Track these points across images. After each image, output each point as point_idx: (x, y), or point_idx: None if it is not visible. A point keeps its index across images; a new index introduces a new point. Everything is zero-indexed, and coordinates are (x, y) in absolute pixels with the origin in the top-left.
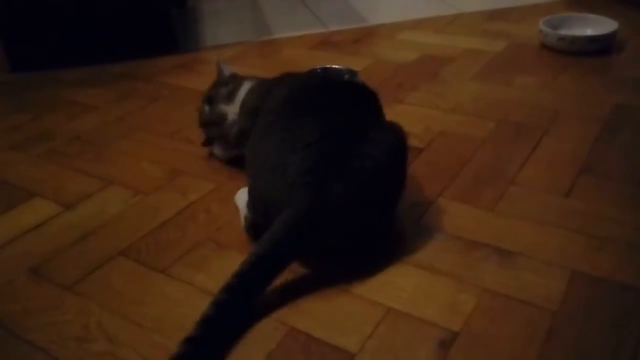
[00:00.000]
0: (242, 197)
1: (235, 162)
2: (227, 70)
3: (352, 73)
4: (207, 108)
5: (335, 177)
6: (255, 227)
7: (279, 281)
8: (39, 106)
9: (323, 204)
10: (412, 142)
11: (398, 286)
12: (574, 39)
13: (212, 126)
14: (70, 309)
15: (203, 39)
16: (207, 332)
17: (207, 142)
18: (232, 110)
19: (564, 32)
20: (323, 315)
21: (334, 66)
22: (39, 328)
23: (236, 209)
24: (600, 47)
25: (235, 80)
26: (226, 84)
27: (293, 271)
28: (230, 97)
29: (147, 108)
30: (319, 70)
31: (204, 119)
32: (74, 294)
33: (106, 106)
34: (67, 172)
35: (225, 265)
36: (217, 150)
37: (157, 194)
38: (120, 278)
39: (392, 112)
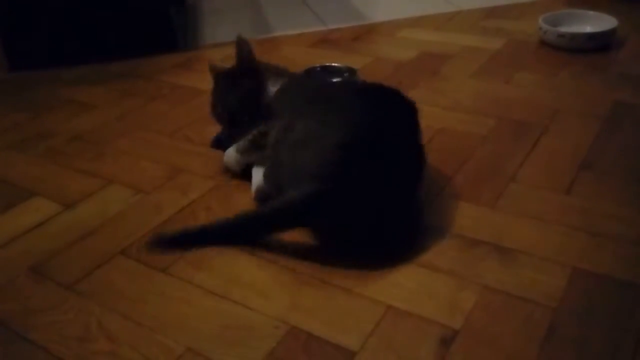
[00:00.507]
0: (256, 169)
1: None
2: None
3: (352, 71)
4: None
5: (366, 160)
6: (267, 199)
7: (279, 280)
8: (38, 105)
9: (348, 182)
10: None
11: (399, 284)
12: (574, 36)
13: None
14: (71, 308)
15: (202, 37)
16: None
17: (217, 144)
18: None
19: (564, 29)
20: (324, 313)
21: (333, 64)
22: (39, 327)
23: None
24: (600, 44)
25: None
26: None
27: (293, 269)
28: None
29: (146, 107)
30: (318, 69)
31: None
32: (74, 293)
33: (106, 105)
34: (67, 172)
35: (226, 263)
36: (234, 157)
37: (157, 192)
38: (120, 277)
39: None
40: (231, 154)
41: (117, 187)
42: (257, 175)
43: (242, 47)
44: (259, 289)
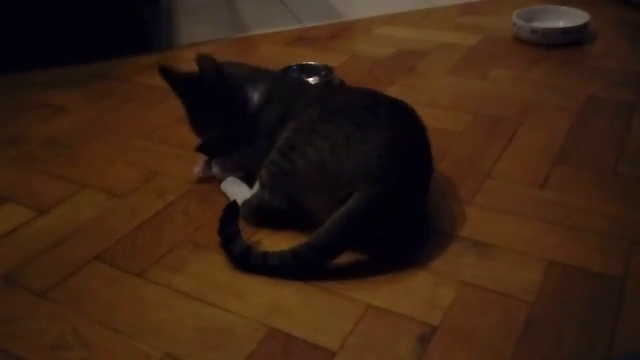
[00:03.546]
0: (232, 186)
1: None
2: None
3: (329, 69)
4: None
5: (408, 163)
6: (270, 210)
7: (256, 281)
8: (9, 109)
9: (402, 186)
10: None
11: (377, 282)
12: (547, 32)
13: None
14: (45, 316)
15: (178, 37)
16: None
17: (202, 149)
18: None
19: (537, 24)
20: (302, 314)
21: (310, 62)
22: (13, 337)
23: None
24: (573, 38)
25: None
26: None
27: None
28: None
29: (121, 109)
30: (295, 67)
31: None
32: (48, 301)
33: (79, 108)
34: (39, 177)
35: (203, 266)
36: (220, 167)
37: (132, 196)
38: (95, 283)
39: None
40: (217, 172)
41: (91, 191)
42: (236, 189)
43: (204, 64)
44: (236, 291)
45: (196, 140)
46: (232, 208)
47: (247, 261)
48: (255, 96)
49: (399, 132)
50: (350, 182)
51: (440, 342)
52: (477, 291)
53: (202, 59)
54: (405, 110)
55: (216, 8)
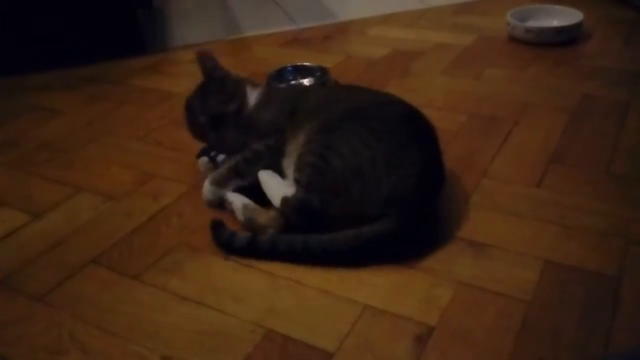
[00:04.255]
0: (272, 177)
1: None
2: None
3: (324, 70)
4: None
5: (426, 194)
6: (309, 209)
7: (254, 283)
8: (3, 113)
9: (427, 212)
10: None
11: (374, 283)
12: (541, 31)
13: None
14: (42, 320)
15: (172, 39)
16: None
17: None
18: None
19: (531, 24)
20: (300, 315)
21: (305, 64)
22: (9, 341)
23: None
24: (567, 37)
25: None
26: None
27: (268, 272)
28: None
29: (115, 111)
30: (289, 68)
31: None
32: (45, 305)
33: (74, 111)
34: (35, 180)
35: (199, 268)
36: (209, 189)
37: (128, 199)
38: (92, 287)
39: None
40: (207, 188)
41: (86, 194)
42: (274, 181)
43: (205, 62)
44: (233, 293)
45: (193, 143)
46: (215, 222)
47: (255, 249)
48: (250, 98)
49: (428, 154)
50: (384, 203)
51: (438, 342)
52: (473, 291)
53: (202, 56)
54: (423, 118)
55: (210, 9)
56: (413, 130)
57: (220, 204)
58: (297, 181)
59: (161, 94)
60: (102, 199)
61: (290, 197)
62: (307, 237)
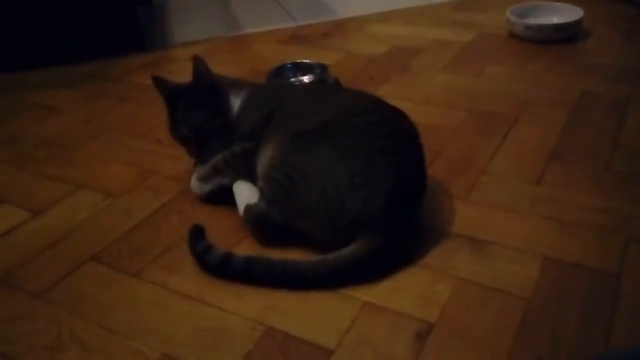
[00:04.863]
0: (241, 186)
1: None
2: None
3: (323, 67)
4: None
5: (409, 209)
6: (266, 221)
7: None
8: (3, 110)
9: (400, 234)
10: None
11: (374, 280)
12: (541, 28)
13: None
14: (42, 317)
15: (171, 36)
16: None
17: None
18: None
19: (531, 21)
20: (300, 313)
21: (304, 61)
22: (9, 339)
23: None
24: (567, 35)
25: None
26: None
27: None
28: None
29: (115, 109)
30: (289, 65)
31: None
32: (44, 302)
33: (73, 108)
34: (34, 177)
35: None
36: (197, 185)
37: (128, 196)
38: (92, 284)
39: None
40: (194, 183)
41: (86, 191)
42: (244, 192)
43: (199, 64)
44: (233, 290)
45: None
46: (196, 229)
47: (228, 269)
48: (233, 103)
49: (402, 167)
50: (352, 227)
51: (438, 339)
52: (473, 288)
53: (197, 59)
54: (405, 123)
55: (210, 7)
56: (387, 141)
57: (219, 197)
58: (261, 191)
59: None
60: (101, 196)
61: (253, 206)
62: (285, 261)
